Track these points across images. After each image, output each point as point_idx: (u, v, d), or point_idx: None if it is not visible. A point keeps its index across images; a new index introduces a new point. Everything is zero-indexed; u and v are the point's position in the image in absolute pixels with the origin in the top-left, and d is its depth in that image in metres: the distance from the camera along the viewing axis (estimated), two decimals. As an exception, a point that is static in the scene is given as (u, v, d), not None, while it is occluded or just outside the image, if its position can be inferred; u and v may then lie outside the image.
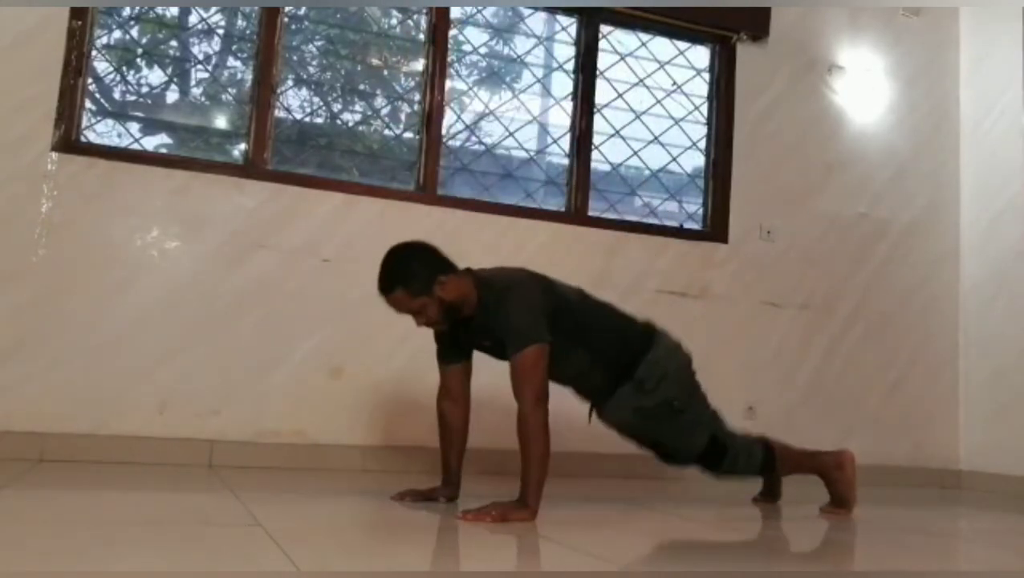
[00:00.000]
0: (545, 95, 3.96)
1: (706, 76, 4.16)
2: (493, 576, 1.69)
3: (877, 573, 2.01)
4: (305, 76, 3.72)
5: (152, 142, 3.49)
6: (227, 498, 2.37)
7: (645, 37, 4.06)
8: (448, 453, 2.53)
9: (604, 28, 3.97)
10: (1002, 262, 4.17)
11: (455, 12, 3.76)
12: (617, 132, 3.97)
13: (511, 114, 3.88)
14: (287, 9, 3.52)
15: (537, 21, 3.98)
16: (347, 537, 1.98)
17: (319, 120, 3.73)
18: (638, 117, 4.01)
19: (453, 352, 2.55)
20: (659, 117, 4.05)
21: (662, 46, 4.10)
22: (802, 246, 4.09)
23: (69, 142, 3.12)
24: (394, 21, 3.80)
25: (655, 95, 4.06)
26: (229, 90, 3.58)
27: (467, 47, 3.90)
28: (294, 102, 3.62)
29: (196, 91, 3.62)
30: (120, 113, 3.45)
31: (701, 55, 4.16)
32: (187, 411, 3.11)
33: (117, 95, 3.50)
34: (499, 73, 3.95)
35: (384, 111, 3.79)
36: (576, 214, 3.81)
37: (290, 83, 3.60)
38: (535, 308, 2.37)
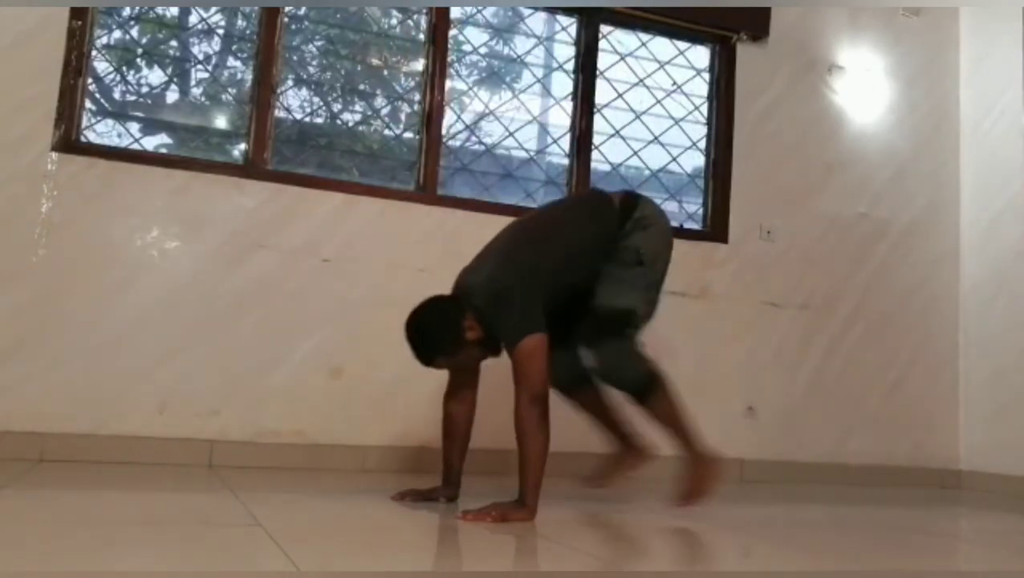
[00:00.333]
0: (545, 95, 3.96)
1: (706, 76, 4.16)
2: (493, 576, 1.69)
3: (877, 573, 2.01)
4: (305, 76, 3.72)
5: (152, 142, 3.49)
6: (227, 498, 2.37)
7: (645, 37, 4.06)
8: (451, 452, 2.53)
9: (604, 28, 3.97)
10: (1002, 262, 4.17)
11: (455, 12, 3.76)
12: (617, 132, 3.97)
13: (511, 114, 3.88)
14: (287, 9, 3.52)
15: (537, 21, 3.98)
16: (347, 537, 1.98)
17: (319, 120, 3.73)
18: (638, 117, 4.01)
19: None
20: (659, 117, 4.05)
21: (662, 46, 4.10)
22: (802, 246, 4.09)
23: (69, 142, 3.12)
24: (394, 21, 3.80)
25: (655, 95, 4.06)
26: (229, 90, 3.58)
27: (467, 47, 3.90)
28: (294, 102, 3.62)
29: (196, 91, 3.62)
30: (120, 113, 3.45)
31: (701, 55, 4.16)
32: (187, 411, 3.11)
33: (117, 95, 3.50)
34: (499, 73, 3.96)
35: (384, 111, 3.79)
36: (576, 214, 3.80)
37: (290, 83, 3.60)
38: (524, 303, 2.35)
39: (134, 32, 3.44)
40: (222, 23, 3.56)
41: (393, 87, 3.82)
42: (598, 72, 3.94)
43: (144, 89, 3.51)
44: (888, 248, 4.24)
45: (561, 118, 3.91)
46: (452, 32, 3.76)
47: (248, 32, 3.56)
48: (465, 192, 3.72)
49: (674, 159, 4.06)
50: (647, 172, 4.03)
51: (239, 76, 3.60)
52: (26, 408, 2.93)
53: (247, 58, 3.57)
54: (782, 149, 4.12)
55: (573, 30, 3.98)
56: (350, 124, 3.75)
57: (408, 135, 3.75)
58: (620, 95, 3.99)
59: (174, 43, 3.57)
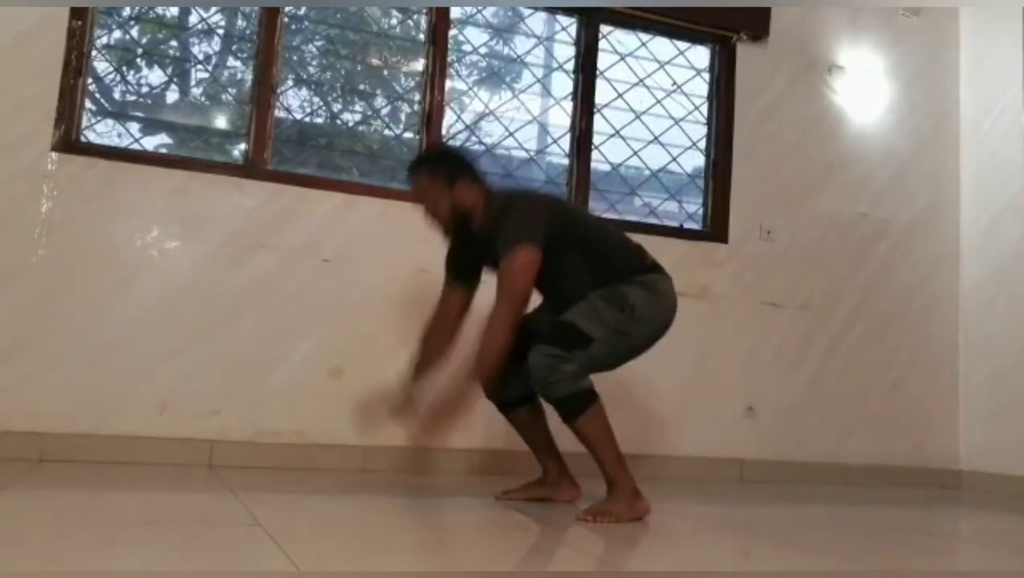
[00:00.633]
0: (545, 95, 3.96)
1: (706, 76, 4.16)
2: (493, 576, 1.69)
3: (877, 573, 2.01)
4: (305, 76, 3.72)
5: (152, 142, 3.49)
6: (227, 498, 2.37)
7: (645, 37, 4.06)
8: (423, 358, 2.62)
9: (604, 28, 3.97)
10: (1002, 262, 4.17)
11: (455, 12, 3.76)
12: (617, 132, 3.97)
13: (511, 114, 3.88)
14: (287, 9, 3.52)
15: (537, 21, 3.98)
16: (347, 537, 1.98)
17: (319, 120, 3.73)
18: (638, 117, 4.01)
19: (460, 271, 2.61)
20: (659, 117, 4.05)
21: (662, 46, 4.10)
22: (802, 246, 4.09)
23: (69, 142, 3.12)
24: (394, 21, 3.80)
25: (655, 95, 4.06)
26: (229, 90, 3.58)
27: (467, 47, 3.90)
28: (294, 102, 3.62)
29: (196, 91, 3.62)
30: (120, 113, 3.45)
31: (701, 55, 4.16)
32: (187, 411, 3.11)
33: (117, 95, 3.50)
34: (499, 73, 3.95)
35: (384, 111, 3.79)
36: (576, 214, 3.80)
37: (290, 83, 3.60)
38: (534, 214, 2.38)
39: (134, 32, 3.44)
40: (222, 23, 3.56)
41: (393, 87, 3.82)
42: (598, 72, 3.94)
43: (144, 89, 3.51)
44: (888, 248, 4.24)
45: (561, 118, 3.91)
46: (452, 32, 3.76)
47: (248, 32, 3.56)
48: (465, 192, 3.72)
49: (674, 159, 4.06)
50: (647, 172, 4.04)
51: (239, 76, 3.60)
52: (26, 408, 2.93)
53: (247, 58, 3.57)
54: (782, 149, 4.12)
55: (573, 30, 3.98)
56: (350, 124, 3.75)
57: (408, 135, 3.74)
58: (620, 95, 3.99)
59: (174, 43, 3.57)
